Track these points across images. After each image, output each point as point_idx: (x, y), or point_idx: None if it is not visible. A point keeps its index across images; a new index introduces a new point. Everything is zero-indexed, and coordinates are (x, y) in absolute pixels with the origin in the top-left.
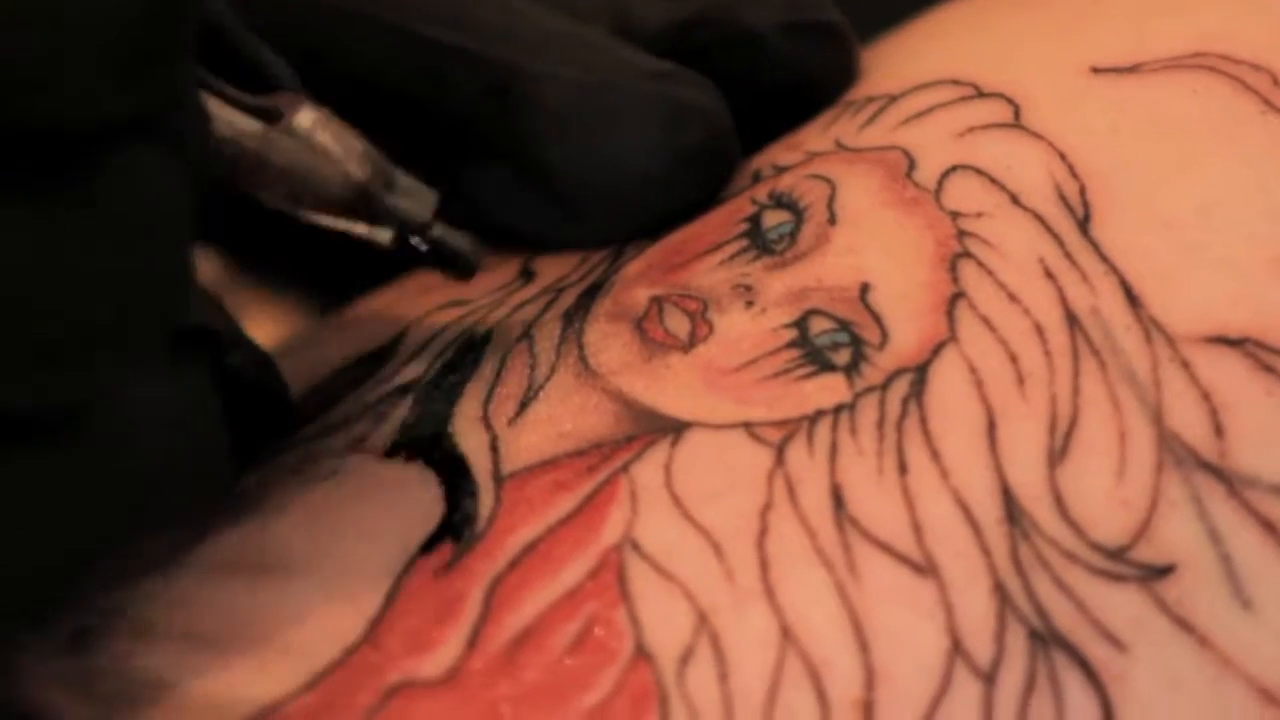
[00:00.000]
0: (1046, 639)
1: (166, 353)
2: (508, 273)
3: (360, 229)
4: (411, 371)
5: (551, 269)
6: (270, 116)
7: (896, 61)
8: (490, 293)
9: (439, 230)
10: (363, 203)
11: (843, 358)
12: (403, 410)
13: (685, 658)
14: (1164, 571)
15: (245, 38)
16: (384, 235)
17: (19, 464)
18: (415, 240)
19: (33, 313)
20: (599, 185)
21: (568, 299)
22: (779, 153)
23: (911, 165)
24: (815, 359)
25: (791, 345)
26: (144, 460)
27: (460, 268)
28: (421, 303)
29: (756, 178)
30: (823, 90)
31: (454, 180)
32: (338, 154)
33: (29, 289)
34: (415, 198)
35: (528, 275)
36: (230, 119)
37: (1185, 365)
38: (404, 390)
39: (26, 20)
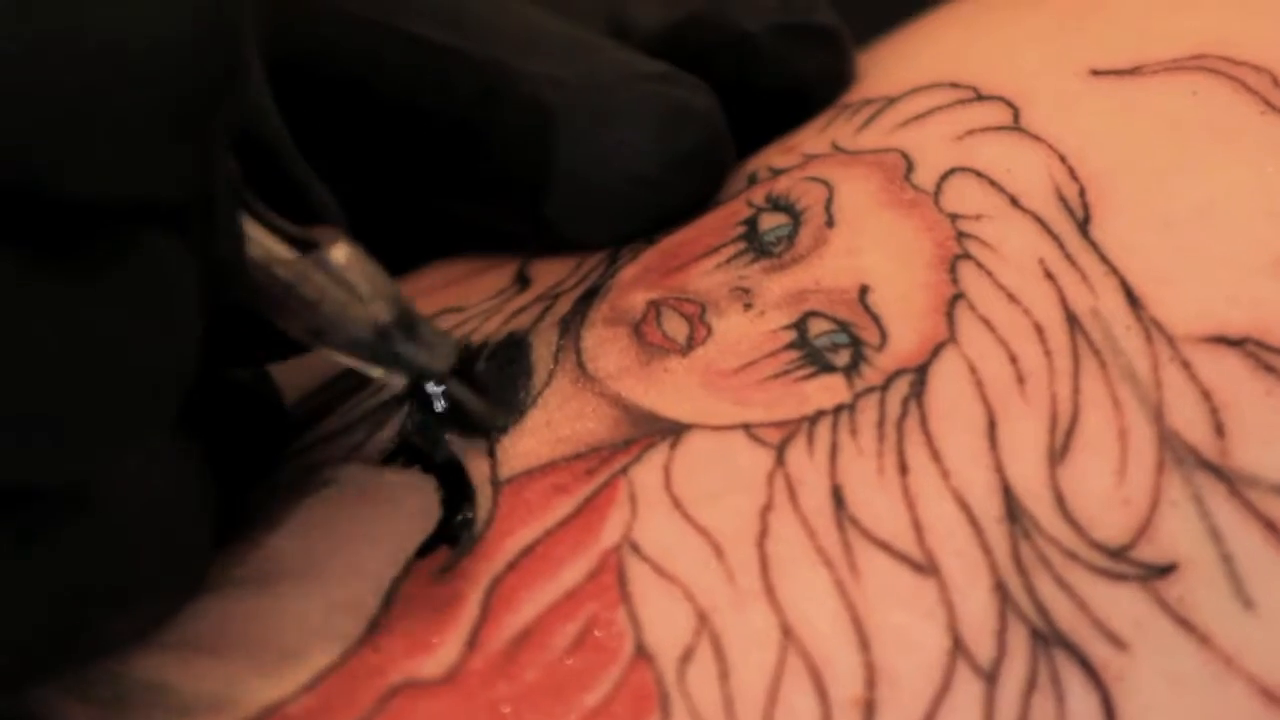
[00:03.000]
0: (1048, 638)
1: (165, 434)
2: (503, 279)
3: (376, 372)
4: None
5: (547, 274)
6: (305, 247)
7: (894, 64)
8: (486, 299)
9: (454, 386)
10: (381, 346)
11: (842, 359)
12: (399, 418)
13: (686, 658)
14: (1165, 571)
15: (295, 163)
16: (398, 381)
17: (14, 536)
18: (430, 391)
19: (49, 386)
20: (593, 187)
21: (564, 305)
22: (775, 155)
23: (910, 167)
24: (815, 360)
25: (790, 347)
26: (136, 539)
27: (472, 426)
28: (421, 307)
29: (752, 180)
30: (817, 93)
31: (447, 181)
32: (366, 293)
33: (49, 362)
34: (434, 349)
35: (523, 281)
36: (265, 243)
37: (1186, 365)
38: (400, 398)
39: (73, 96)
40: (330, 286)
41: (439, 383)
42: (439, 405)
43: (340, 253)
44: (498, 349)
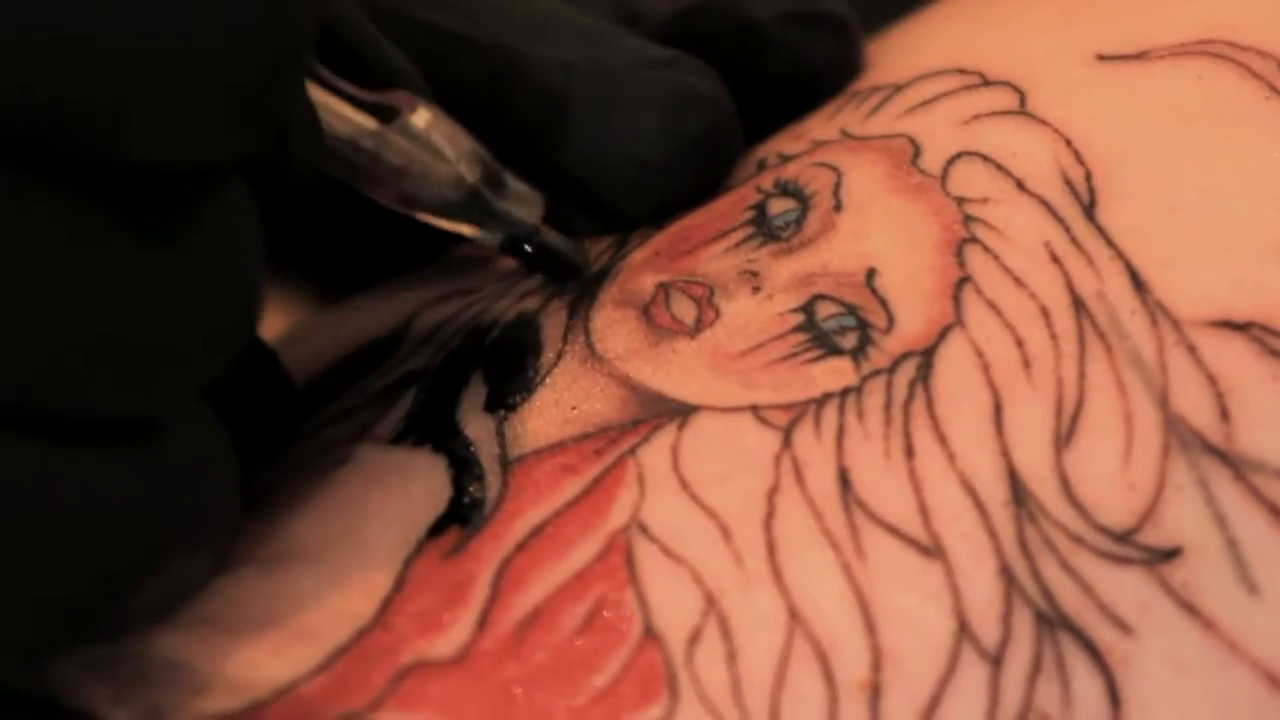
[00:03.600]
0: (1053, 621)
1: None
2: (513, 263)
3: (469, 230)
4: (418, 361)
5: None
6: (386, 114)
7: (901, 52)
8: (495, 282)
9: (546, 235)
10: (473, 205)
11: (849, 342)
12: (409, 398)
13: (694, 639)
14: (1170, 555)
15: (366, 32)
16: (492, 238)
17: (82, 466)
18: (524, 245)
19: (128, 328)
20: (601, 172)
21: (573, 286)
22: (784, 142)
23: (917, 152)
24: (822, 343)
25: (798, 330)
26: (192, 482)
27: (566, 271)
28: (426, 293)
29: (761, 166)
30: (825, 80)
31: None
32: (451, 155)
33: (130, 309)
34: (524, 202)
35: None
36: (346, 115)
37: (1191, 349)
38: (410, 379)
39: (150, 58)
40: (415, 151)
41: (531, 233)
42: (532, 253)
43: (421, 117)
44: (507, 328)
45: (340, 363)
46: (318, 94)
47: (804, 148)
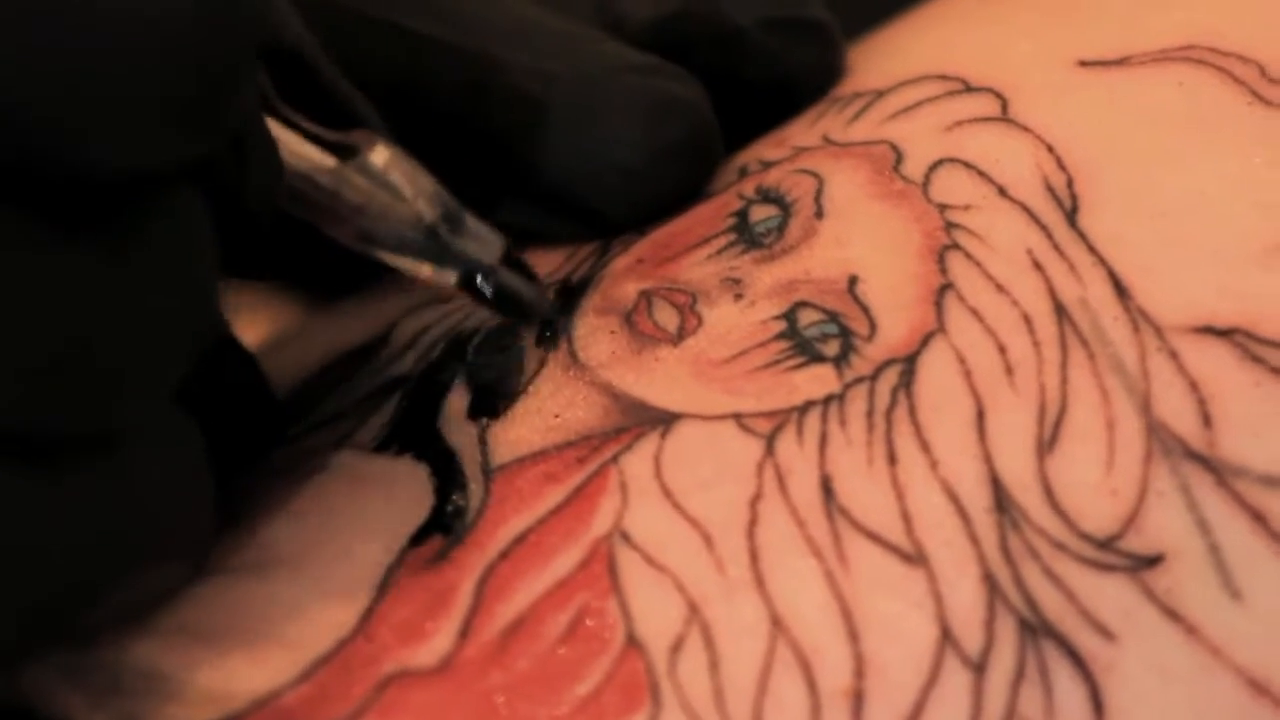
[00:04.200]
0: (1036, 628)
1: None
2: None
3: (426, 270)
4: (399, 368)
5: (540, 264)
6: (345, 153)
7: (883, 58)
8: None
9: (504, 275)
10: (430, 244)
11: (831, 349)
12: (391, 406)
13: (676, 647)
14: (1153, 561)
15: (325, 69)
16: (449, 277)
17: (45, 485)
18: (480, 284)
19: (84, 344)
20: (581, 179)
21: (554, 293)
22: (765, 148)
23: (899, 159)
24: (804, 350)
25: (780, 337)
26: (152, 499)
27: (523, 313)
28: (406, 300)
29: (743, 173)
30: (806, 86)
31: (434, 172)
32: (409, 194)
33: (83, 322)
34: (482, 242)
35: None
36: (304, 153)
37: (1173, 355)
38: (392, 386)
39: (91, 66)
40: (373, 189)
41: (489, 273)
42: (489, 295)
43: (380, 155)
44: (489, 336)
45: (321, 370)
46: (277, 130)
47: (786, 154)
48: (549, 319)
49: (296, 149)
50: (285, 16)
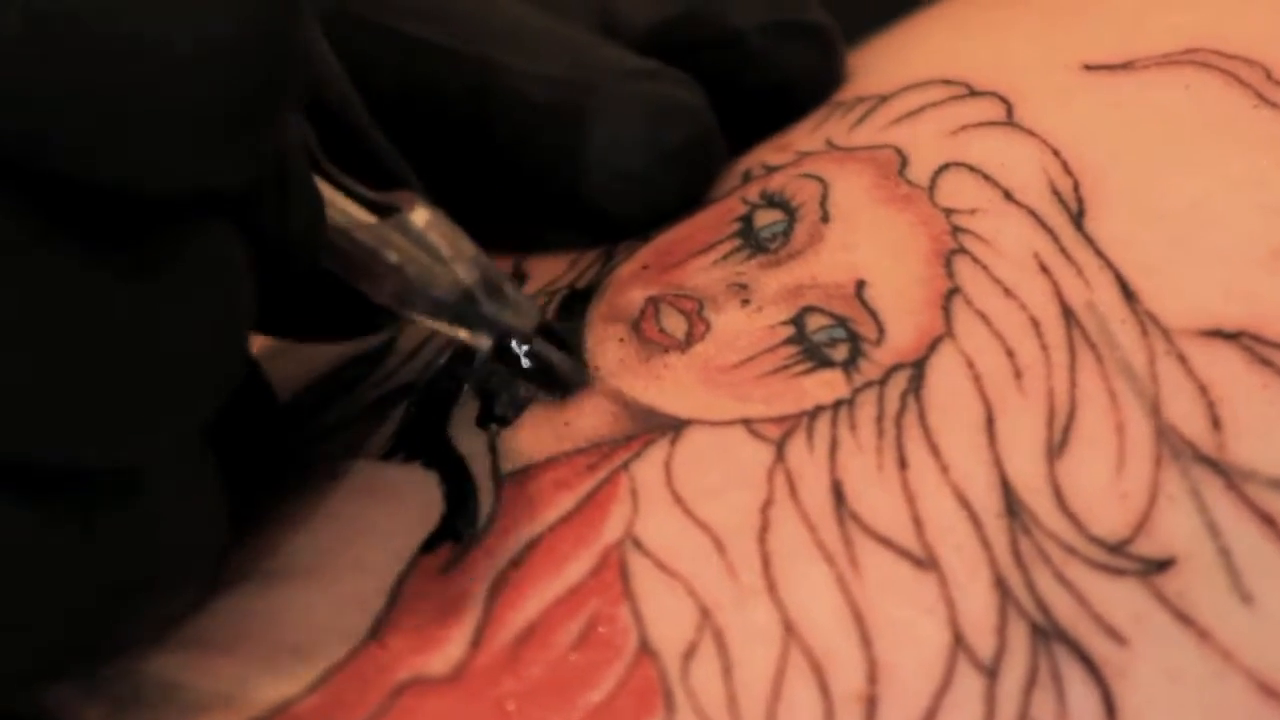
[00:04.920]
0: (1048, 633)
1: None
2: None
3: (462, 334)
4: (407, 374)
5: (543, 270)
6: (385, 211)
7: (886, 62)
8: None
9: (539, 346)
10: (467, 308)
11: (840, 354)
12: (400, 413)
13: (689, 654)
14: (1164, 565)
15: (367, 130)
16: (484, 342)
17: (66, 520)
18: (515, 351)
19: (113, 372)
20: (583, 184)
21: (560, 300)
22: (768, 153)
23: (904, 163)
24: (813, 355)
25: (789, 342)
26: (175, 528)
27: (557, 386)
28: None
29: (747, 178)
30: (807, 91)
31: (435, 179)
32: (448, 256)
33: (104, 348)
34: (519, 309)
35: (520, 277)
36: (345, 209)
37: (1182, 359)
38: (401, 393)
39: (128, 87)
40: (413, 250)
41: (524, 341)
42: (525, 364)
43: (420, 216)
44: (495, 346)
45: (326, 376)
46: (319, 185)
47: (789, 159)
48: (579, 387)
49: (338, 204)
50: (330, 74)
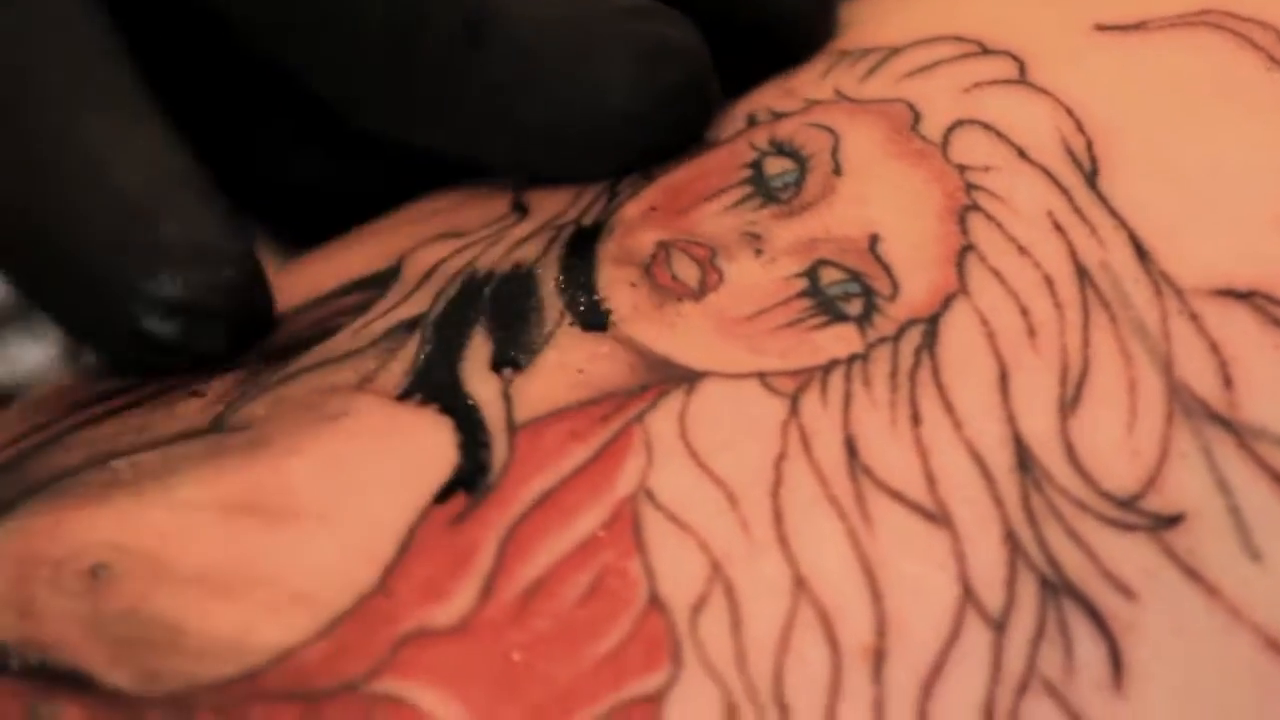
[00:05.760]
0: (1057, 587)
1: None
2: (499, 206)
3: None
4: (414, 305)
5: (545, 204)
6: None
7: (892, 14)
8: (485, 225)
9: None
10: None
11: (854, 308)
12: (411, 348)
13: (698, 607)
14: (1173, 521)
15: None
16: None
17: None
18: None
19: None
20: (575, 124)
21: (567, 235)
22: (774, 98)
23: (916, 118)
24: (827, 309)
25: (803, 295)
26: None
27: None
28: (415, 231)
29: (752, 121)
30: (802, 32)
31: (430, 120)
32: None
33: None
34: None
35: (521, 210)
36: None
37: (1194, 318)
38: (409, 326)
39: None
40: None
41: None
42: None
43: None
44: (504, 283)
45: (330, 294)
46: None
47: (797, 106)
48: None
49: None
50: None
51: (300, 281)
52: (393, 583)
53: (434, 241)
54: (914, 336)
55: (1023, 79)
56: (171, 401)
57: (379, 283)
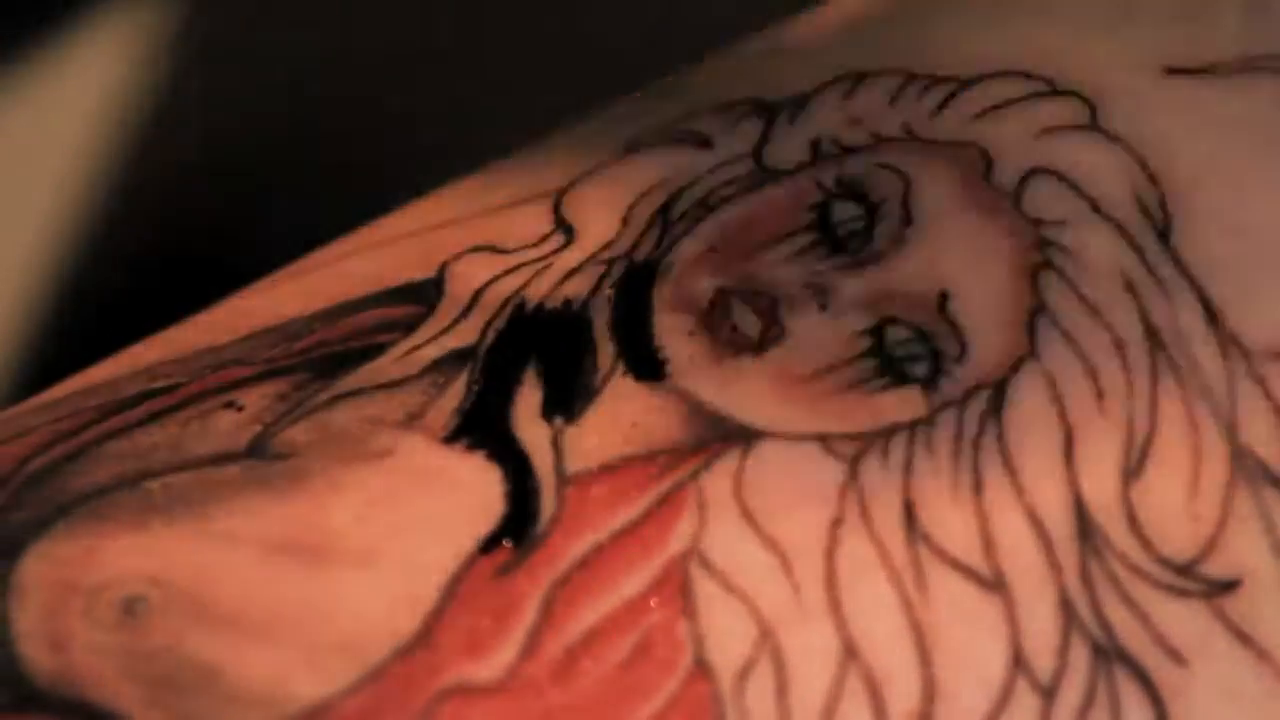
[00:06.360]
0: (1109, 653)
1: None
2: (541, 220)
3: None
4: (463, 335)
5: (592, 227)
6: None
7: (963, 36)
8: (528, 244)
9: None
10: None
11: (920, 370)
12: (459, 385)
13: (745, 672)
14: (1229, 586)
15: None
16: None
17: None
18: None
19: None
20: None
21: (619, 274)
22: (839, 124)
23: (988, 164)
24: (892, 370)
25: (867, 354)
26: None
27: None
28: (451, 236)
29: (817, 151)
30: None
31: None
32: None
33: None
34: None
35: (566, 231)
36: None
37: (1261, 380)
38: (459, 357)
39: None
40: None
41: None
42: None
43: None
44: (557, 319)
45: (368, 299)
46: None
47: (864, 139)
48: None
49: None
50: None
51: (324, 280)
52: (435, 634)
53: (474, 254)
54: (980, 402)
55: (1094, 125)
56: (206, 414)
57: (419, 295)
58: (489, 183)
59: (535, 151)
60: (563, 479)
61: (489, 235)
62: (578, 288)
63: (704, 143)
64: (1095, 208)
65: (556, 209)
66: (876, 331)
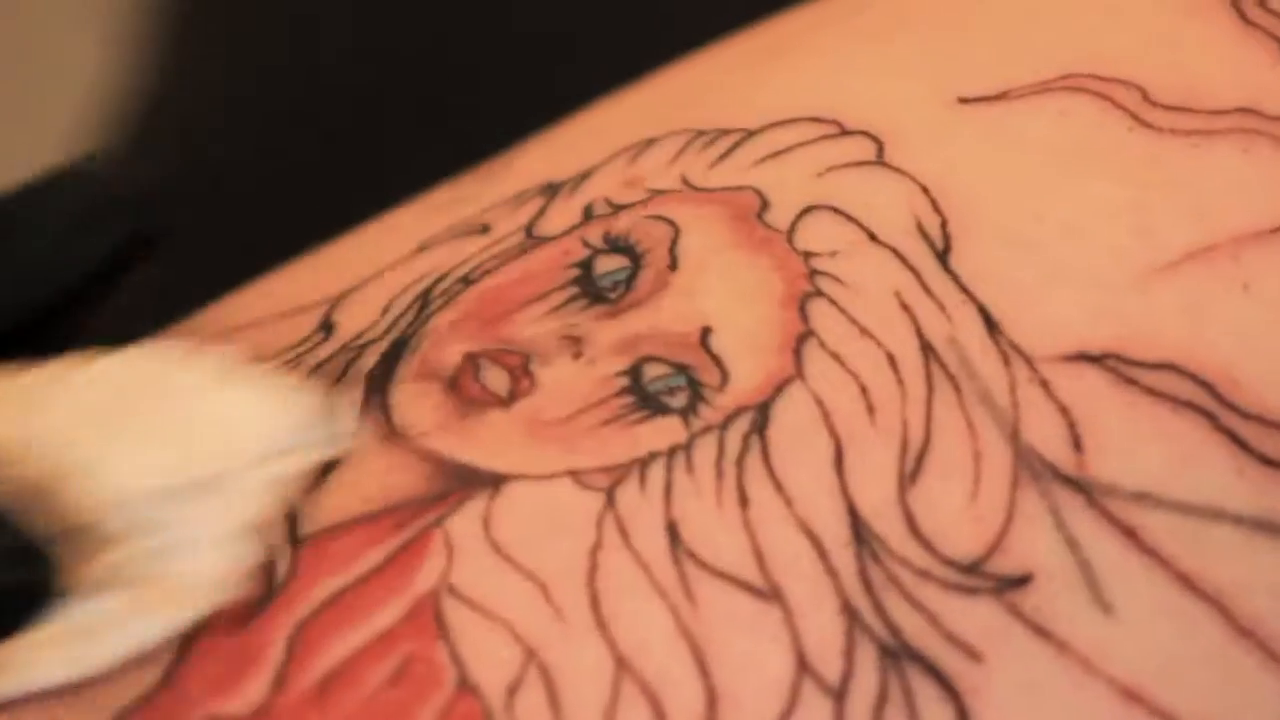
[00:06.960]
0: (898, 653)
1: None
2: (307, 324)
3: None
4: None
5: (354, 318)
6: None
7: (753, 89)
8: (287, 349)
9: None
10: None
11: (679, 400)
12: None
13: (514, 688)
14: (1020, 581)
15: None
16: None
17: None
18: None
19: None
20: None
21: (370, 358)
22: (615, 189)
23: (764, 206)
24: (648, 404)
25: (623, 393)
26: None
27: None
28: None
29: (589, 214)
30: None
31: None
32: None
33: None
34: None
35: (328, 329)
36: None
37: (1044, 384)
38: None
39: None
40: None
41: None
42: None
43: None
44: None
45: None
46: None
47: (639, 196)
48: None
49: None
50: None
51: None
52: (178, 679)
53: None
54: (742, 424)
55: (879, 160)
56: None
57: None
58: (270, 290)
59: (320, 259)
60: (297, 540)
61: (254, 345)
62: (327, 373)
63: (485, 230)
64: (872, 237)
65: (328, 314)
66: (634, 371)
